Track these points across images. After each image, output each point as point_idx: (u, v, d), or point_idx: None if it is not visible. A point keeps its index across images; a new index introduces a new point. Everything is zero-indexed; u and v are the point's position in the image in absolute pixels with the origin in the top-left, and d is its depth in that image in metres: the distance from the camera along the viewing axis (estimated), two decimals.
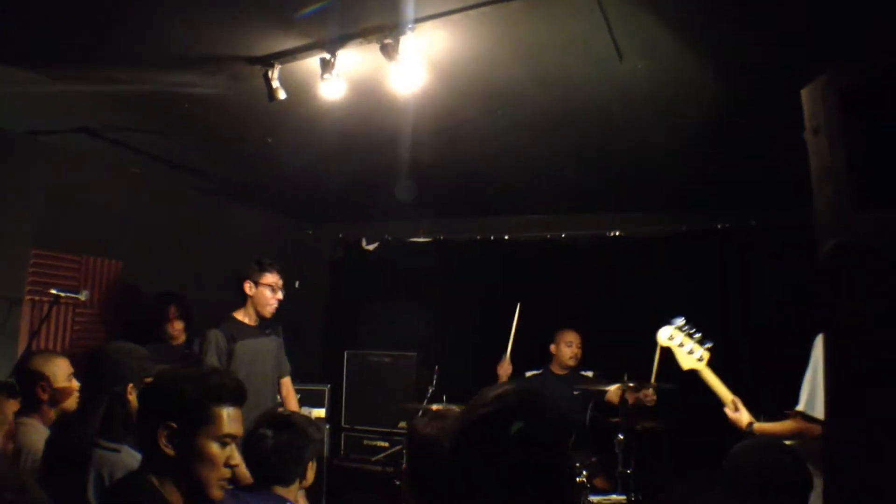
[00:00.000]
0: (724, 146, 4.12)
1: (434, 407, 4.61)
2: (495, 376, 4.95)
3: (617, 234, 5.67)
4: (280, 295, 4.20)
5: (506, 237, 6.07)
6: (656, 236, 5.50)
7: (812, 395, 2.81)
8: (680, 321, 3.54)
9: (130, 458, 2.24)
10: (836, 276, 1.19)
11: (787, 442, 2.77)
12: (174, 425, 1.73)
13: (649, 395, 4.33)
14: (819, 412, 2.77)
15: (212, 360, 3.92)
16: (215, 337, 3.99)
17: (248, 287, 4.10)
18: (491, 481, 1.42)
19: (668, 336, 3.51)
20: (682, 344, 3.46)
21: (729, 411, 3.21)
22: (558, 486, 1.49)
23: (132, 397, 2.44)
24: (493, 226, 6.16)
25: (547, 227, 5.94)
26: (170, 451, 1.72)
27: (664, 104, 3.57)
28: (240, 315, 4.14)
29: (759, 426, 3.09)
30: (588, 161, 4.53)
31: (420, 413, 2.15)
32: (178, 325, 4.78)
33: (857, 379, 1.15)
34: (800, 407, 2.85)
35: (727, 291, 4.98)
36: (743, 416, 3.16)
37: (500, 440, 1.43)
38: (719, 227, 5.30)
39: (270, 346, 4.23)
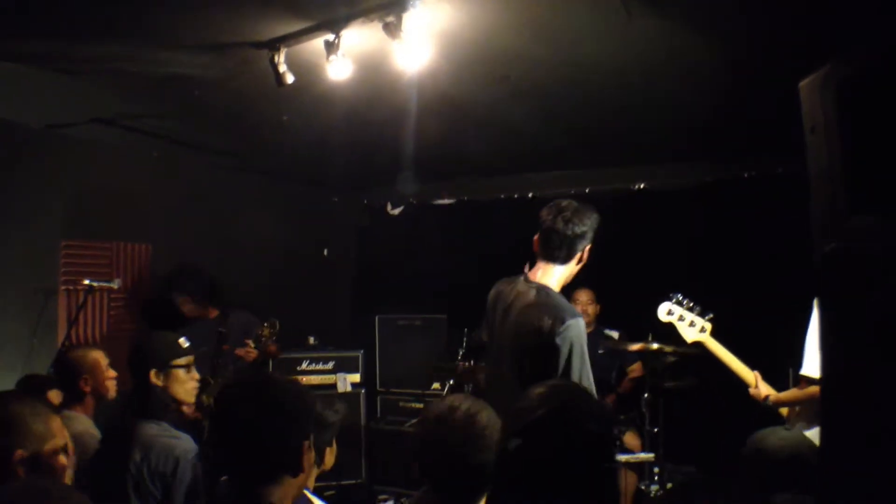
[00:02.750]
0: (745, 94, 4.00)
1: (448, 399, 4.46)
2: None
3: (642, 186, 5.58)
4: None
5: (529, 195, 6.02)
6: (682, 188, 5.40)
7: (811, 357, 2.82)
8: (678, 296, 3.54)
9: (170, 435, 2.43)
10: (830, 280, 1.17)
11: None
12: None
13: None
14: (816, 373, 2.79)
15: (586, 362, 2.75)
16: (580, 329, 2.73)
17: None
18: (545, 479, 1.48)
19: (667, 311, 3.52)
20: (681, 317, 3.46)
21: (752, 390, 3.22)
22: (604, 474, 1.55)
23: (157, 381, 2.62)
24: (516, 184, 6.09)
25: (571, 182, 5.85)
26: None
27: (679, 57, 3.45)
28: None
29: (776, 397, 3.10)
30: (606, 118, 4.44)
31: (423, 414, 2.08)
32: (190, 308, 4.77)
33: (851, 382, 1.15)
34: (802, 370, 2.87)
35: (757, 243, 4.89)
36: (762, 391, 3.16)
37: (554, 442, 1.48)
38: (746, 175, 5.17)
39: None
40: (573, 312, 2.75)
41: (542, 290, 2.84)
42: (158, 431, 2.45)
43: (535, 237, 2.92)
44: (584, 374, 2.69)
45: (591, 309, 5.10)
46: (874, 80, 1.19)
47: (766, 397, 3.19)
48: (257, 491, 1.63)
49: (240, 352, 4.57)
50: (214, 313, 4.80)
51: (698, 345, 3.46)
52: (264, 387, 1.72)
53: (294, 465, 1.66)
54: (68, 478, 2.00)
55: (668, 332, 4.14)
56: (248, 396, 1.69)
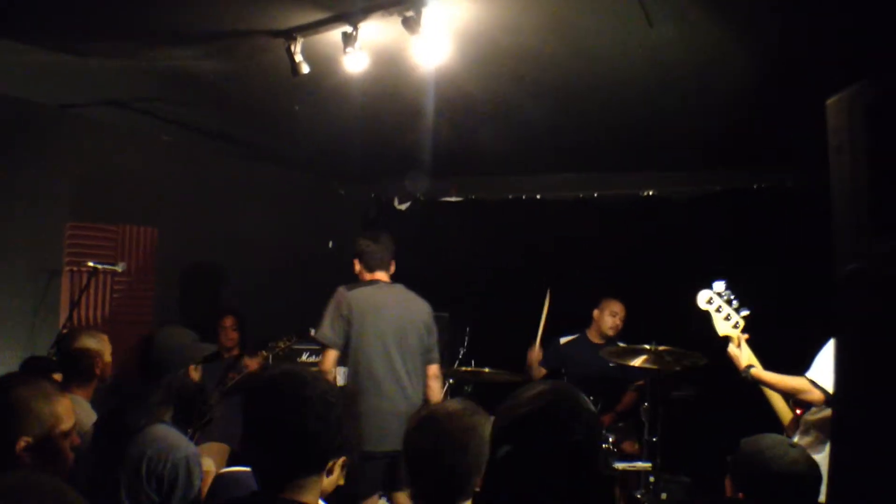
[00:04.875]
0: (760, 107, 3.98)
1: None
2: (526, 362, 4.93)
3: (650, 193, 5.56)
4: None
5: (537, 196, 6.01)
6: (691, 196, 5.38)
7: (823, 365, 2.83)
8: (720, 286, 3.46)
9: (173, 435, 2.32)
10: (849, 302, 1.16)
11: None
12: None
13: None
14: (823, 381, 2.80)
15: None
16: None
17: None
18: (529, 476, 1.46)
19: (707, 300, 3.44)
20: (719, 309, 3.40)
21: (732, 347, 3.19)
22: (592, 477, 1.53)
23: (195, 375, 2.53)
24: (524, 185, 6.08)
25: (579, 186, 5.86)
26: None
27: (696, 67, 3.45)
28: None
29: (757, 372, 3.08)
30: (619, 122, 4.43)
31: (413, 419, 2.08)
32: (232, 335, 4.89)
33: (865, 404, 1.14)
34: (809, 374, 2.86)
35: (764, 253, 4.87)
36: (743, 356, 3.14)
37: (538, 438, 1.47)
38: (756, 186, 5.15)
39: None
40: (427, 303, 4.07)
41: (403, 287, 4.03)
42: (166, 430, 2.32)
43: (358, 259, 4.02)
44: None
45: (621, 323, 4.88)
46: None
47: (748, 368, 3.14)
48: (288, 489, 1.61)
49: (249, 362, 4.67)
50: (236, 352, 4.89)
51: (726, 339, 3.40)
52: (306, 382, 1.69)
53: (323, 466, 1.66)
54: None
55: (673, 338, 4.12)
56: (292, 390, 1.66)
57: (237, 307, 5.00)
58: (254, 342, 4.94)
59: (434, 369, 4.04)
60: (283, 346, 4.72)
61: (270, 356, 4.74)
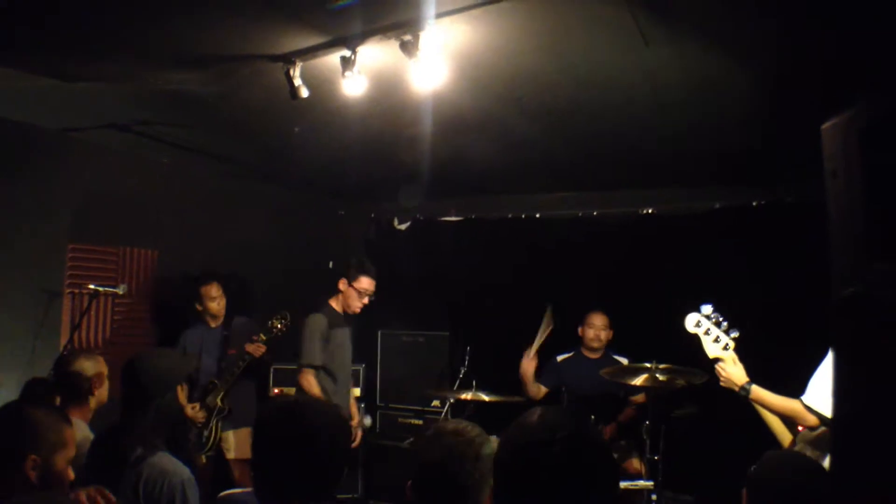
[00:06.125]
0: (759, 124, 4.00)
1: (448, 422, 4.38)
2: (520, 372, 4.96)
3: (650, 211, 5.57)
4: (367, 300, 4.57)
5: (537, 215, 6.02)
6: (690, 213, 5.39)
7: (818, 390, 2.82)
8: (708, 308, 3.47)
9: (167, 460, 2.33)
10: (846, 326, 1.16)
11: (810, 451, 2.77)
12: None
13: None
14: (816, 405, 2.79)
15: (314, 344, 4.33)
16: (319, 322, 4.38)
17: (343, 284, 4.56)
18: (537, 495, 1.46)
19: (695, 323, 3.45)
20: (708, 331, 3.41)
21: (725, 367, 3.17)
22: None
23: (182, 396, 2.56)
24: (524, 204, 6.11)
25: (579, 204, 5.87)
26: None
27: (694, 86, 3.47)
28: (334, 303, 4.57)
29: (758, 393, 3.07)
30: (617, 141, 4.45)
31: (422, 434, 2.11)
32: (221, 303, 4.82)
33: (863, 428, 1.13)
34: (803, 397, 2.85)
35: (763, 271, 4.88)
36: (738, 372, 3.14)
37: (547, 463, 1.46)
38: (755, 204, 5.16)
39: (349, 337, 4.67)
40: (311, 311, 4.45)
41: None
42: (162, 456, 2.34)
43: None
44: (304, 352, 4.35)
45: (604, 335, 5.00)
46: None
47: (748, 385, 3.12)
48: None
49: (249, 347, 4.63)
50: (221, 321, 4.87)
51: (716, 361, 3.40)
52: (318, 412, 1.73)
53: (330, 493, 1.70)
54: None
55: (673, 356, 4.10)
56: (308, 420, 1.70)
57: (219, 272, 4.90)
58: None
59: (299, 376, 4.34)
60: (279, 325, 4.67)
61: (269, 339, 4.68)
